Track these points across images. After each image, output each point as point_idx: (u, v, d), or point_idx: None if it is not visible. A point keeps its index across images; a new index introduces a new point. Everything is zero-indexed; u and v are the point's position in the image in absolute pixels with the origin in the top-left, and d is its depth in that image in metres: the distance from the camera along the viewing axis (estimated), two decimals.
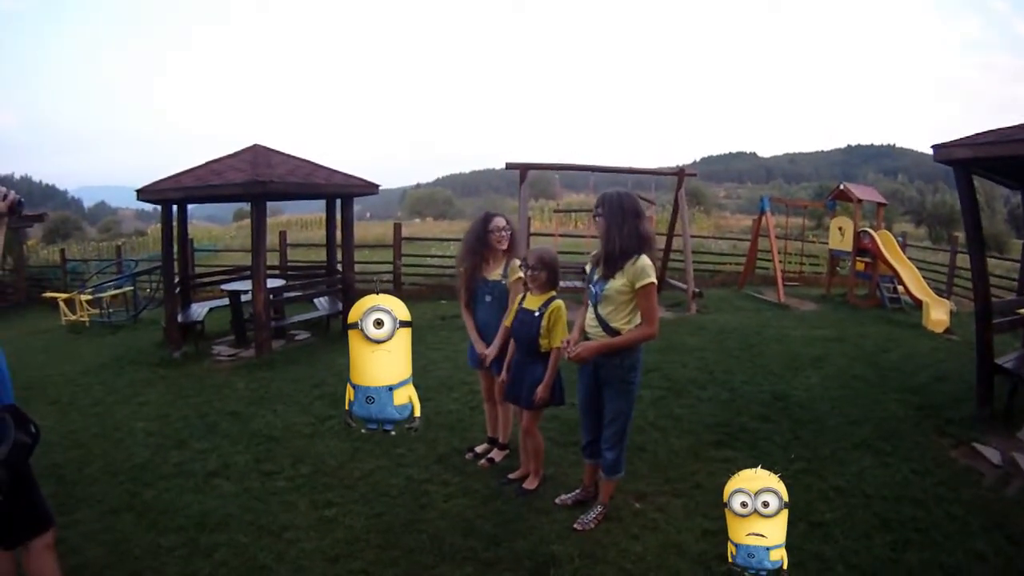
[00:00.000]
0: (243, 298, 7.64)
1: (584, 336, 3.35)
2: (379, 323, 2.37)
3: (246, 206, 23.03)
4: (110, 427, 5.02)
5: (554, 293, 3.60)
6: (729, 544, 2.69)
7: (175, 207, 7.77)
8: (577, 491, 3.68)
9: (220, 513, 3.59)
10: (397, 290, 11.05)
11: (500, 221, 3.91)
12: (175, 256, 7.98)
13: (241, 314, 7.71)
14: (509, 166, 9.59)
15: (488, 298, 3.94)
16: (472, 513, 3.54)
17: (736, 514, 2.62)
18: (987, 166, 5.13)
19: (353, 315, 2.42)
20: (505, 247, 3.92)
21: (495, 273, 3.92)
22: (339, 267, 8.55)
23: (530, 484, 3.79)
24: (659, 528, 3.41)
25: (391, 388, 2.41)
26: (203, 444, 4.57)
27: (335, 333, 8.09)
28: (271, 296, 7.22)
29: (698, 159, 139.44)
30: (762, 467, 2.69)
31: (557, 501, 3.64)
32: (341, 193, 8.05)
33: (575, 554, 3.15)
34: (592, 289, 3.26)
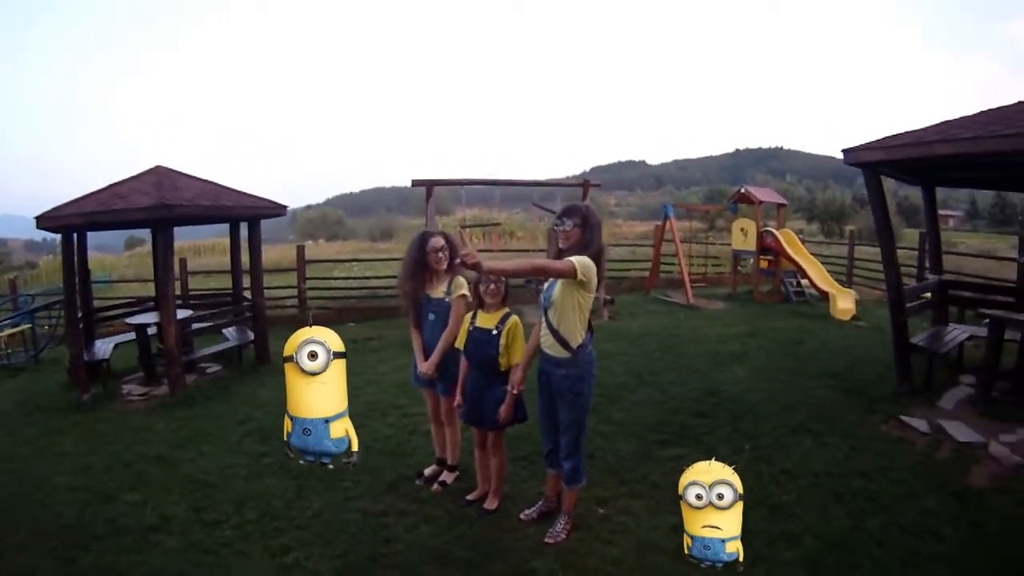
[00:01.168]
0: (149, 331, 7.12)
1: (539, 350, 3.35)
2: (313, 355, 2.46)
3: (139, 233, 21.34)
4: (29, 485, 4.42)
5: (507, 309, 3.57)
6: (685, 536, 2.70)
7: (75, 235, 7.12)
8: (540, 504, 3.66)
9: (169, 573, 3.26)
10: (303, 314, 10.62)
11: (438, 241, 3.83)
12: (77, 289, 7.31)
13: (149, 349, 7.18)
14: (415, 183, 9.49)
15: (432, 316, 3.87)
16: (439, 540, 3.43)
17: (691, 506, 2.63)
18: (895, 167, 5.57)
19: (288, 348, 2.47)
20: (445, 267, 3.85)
21: (439, 291, 3.85)
22: (246, 294, 8.11)
23: (491, 504, 3.73)
24: (629, 530, 3.45)
25: (327, 420, 2.50)
26: (134, 496, 4.12)
27: (248, 364, 7.61)
28: (182, 328, 6.74)
29: (588, 169, 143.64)
30: (715, 459, 2.72)
31: (522, 517, 3.61)
32: (249, 216, 7.66)
33: (556, 567, 3.12)
34: (542, 298, 3.29)
